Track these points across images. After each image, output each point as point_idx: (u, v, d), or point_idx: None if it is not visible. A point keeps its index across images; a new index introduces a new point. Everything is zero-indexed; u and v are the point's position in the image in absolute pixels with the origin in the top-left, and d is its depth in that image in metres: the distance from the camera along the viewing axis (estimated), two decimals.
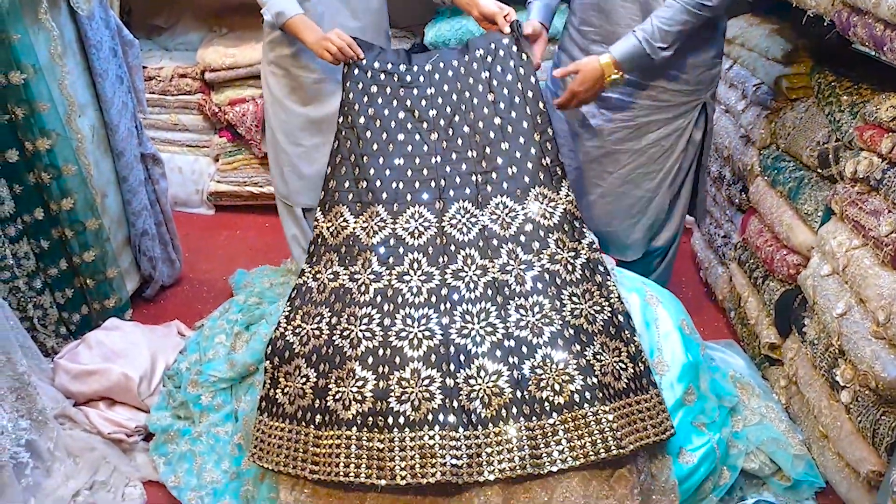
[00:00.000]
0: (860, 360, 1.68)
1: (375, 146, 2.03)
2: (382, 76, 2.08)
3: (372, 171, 2.00)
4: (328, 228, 1.99)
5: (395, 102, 2.06)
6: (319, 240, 1.99)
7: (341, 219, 1.98)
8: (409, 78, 2.08)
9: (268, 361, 1.85)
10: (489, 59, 2.05)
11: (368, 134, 2.03)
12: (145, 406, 2.15)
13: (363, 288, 1.87)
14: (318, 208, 2.02)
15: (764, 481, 1.95)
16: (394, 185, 1.99)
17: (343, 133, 2.06)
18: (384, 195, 1.98)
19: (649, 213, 2.26)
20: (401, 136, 2.03)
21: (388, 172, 2.00)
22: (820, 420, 1.93)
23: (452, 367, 1.71)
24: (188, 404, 2.09)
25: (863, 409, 1.72)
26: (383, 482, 1.63)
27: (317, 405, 1.75)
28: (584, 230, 1.93)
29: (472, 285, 1.85)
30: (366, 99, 2.06)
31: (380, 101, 2.06)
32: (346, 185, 2.01)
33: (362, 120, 2.04)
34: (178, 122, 3.46)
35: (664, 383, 1.86)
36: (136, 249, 2.66)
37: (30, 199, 2.21)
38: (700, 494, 1.84)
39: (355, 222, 1.97)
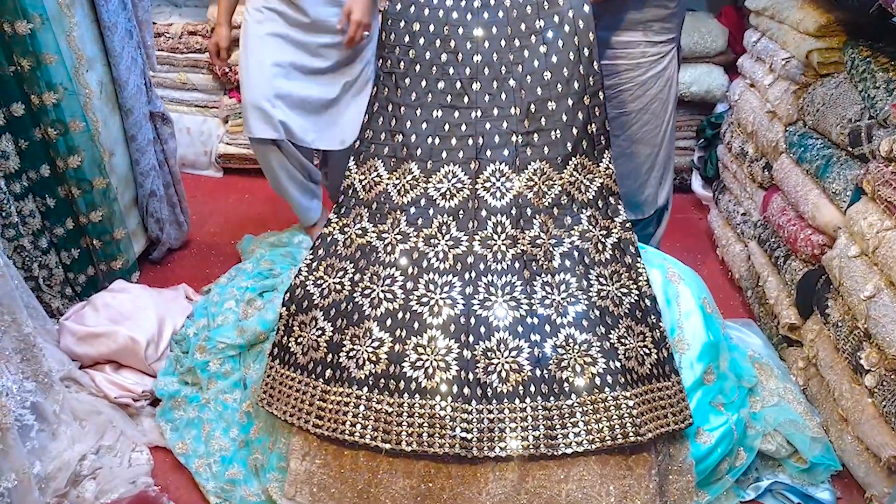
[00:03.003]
0: (889, 343, 1.64)
1: (414, 95, 1.93)
2: (426, 11, 1.95)
3: (409, 124, 1.92)
4: (361, 182, 1.92)
5: (437, 43, 1.94)
6: (350, 191, 1.93)
7: (375, 173, 1.92)
8: (455, 14, 1.94)
9: (284, 308, 1.82)
10: (546, 5, 1.91)
11: (407, 81, 1.93)
12: (152, 370, 2.11)
13: (389, 248, 1.82)
14: (352, 158, 1.95)
15: (780, 463, 1.92)
16: (429, 140, 1.90)
17: (381, 79, 1.96)
18: (419, 151, 1.90)
19: (657, 166, 2.26)
20: (441, 85, 1.93)
21: (424, 126, 1.92)
22: (840, 403, 1.89)
23: (471, 338, 1.67)
24: (196, 370, 2.05)
25: (888, 394, 1.68)
26: (387, 446, 1.61)
27: (329, 360, 1.72)
28: (619, 207, 1.86)
29: (499, 255, 1.80)
30: (407, 39, 1.95)
31: (421, 41, 1.94)
32: (382, 137, 1.93)
33: (402, 66, 1.94)
34: (187, 81, 3.38)
35: (684, 362, 1.83)
36: (144, 210, 2.61)
37: (36, 156, 2.15)
38: (716, 475, 1.82)
39: (388, 178, 1.90)
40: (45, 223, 2.24)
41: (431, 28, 1.94)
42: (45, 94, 2.07)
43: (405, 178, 1.88)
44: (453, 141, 1.89)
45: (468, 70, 1.92)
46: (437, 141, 1.90)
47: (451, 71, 1.93)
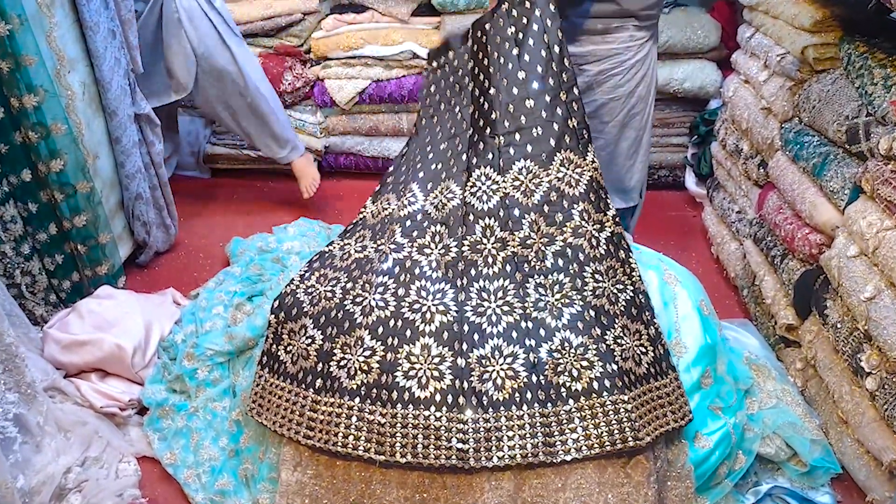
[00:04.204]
0: (890, 346, 1.62)
1: (428, 137, 2.03)
2: (446, 68, 2.08)
3: (418, 158, 1.99)
4: (372, 213, 1.98)
5: (448, 92, 2.04)
6: (360, 221, 1.99)
7: (385, 202, 1.97)
8: (457, 62, 2.04)
9: (272, 315, 1.79)
10: (514, 11, 1.91)
11: (426, 128, 2.05)
12: (139, 378, 2.07)
13: (383, 257, 1.80)
14: (371, 197, 2.03)
15: (779, 466, 1.89)
16: (433, 166, 1.95)
17: (411, 138, 2.10)
18: (421, 174, 1.95)
19: (642, 150, 2.27)
20: (448, 123, 2.00)
21: (431, 156, 1.98)
22: (840, 405, 1.87)
23: (465, 346, 1.64)
24: (184, 378, 2.01)
25: (889, 397, 1.65)
26: (381, 458, 1.58)
27: (319, 369, 1.69)
28: (609, 201, 1.83)
29: (490, 259, 1.77)
30: (428, 101, 2.10)
31: (437, 97, 2.08)
32: (400, 178, 2.02)
33: (423, 120, 2.08)
34: None
35: (681, 365, 1.80)
36: (130, 214, 2.56)
37: (16, 160, 2.10)
38: (715, 479, 1.79)
39: (397, 203, 1.94)
40: (28, 229, 2.19)
41: (451, 79, 2.05)
42: (25, 97, 2.02)
43: (405, 196, 1.92)
44: (452, 161, 1.93)
45: (465, 99, 1.97)
46: (439, 165, 1.95)
47: (456, 108, 2.00)
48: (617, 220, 1.83)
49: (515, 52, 1.88)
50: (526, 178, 1.82)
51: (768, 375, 2.06)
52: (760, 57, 2.52)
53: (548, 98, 1.84)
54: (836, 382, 1.89)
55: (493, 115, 1.87)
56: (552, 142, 1.83)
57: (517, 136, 1.85)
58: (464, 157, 1.89)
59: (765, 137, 2.42)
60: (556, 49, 1.86)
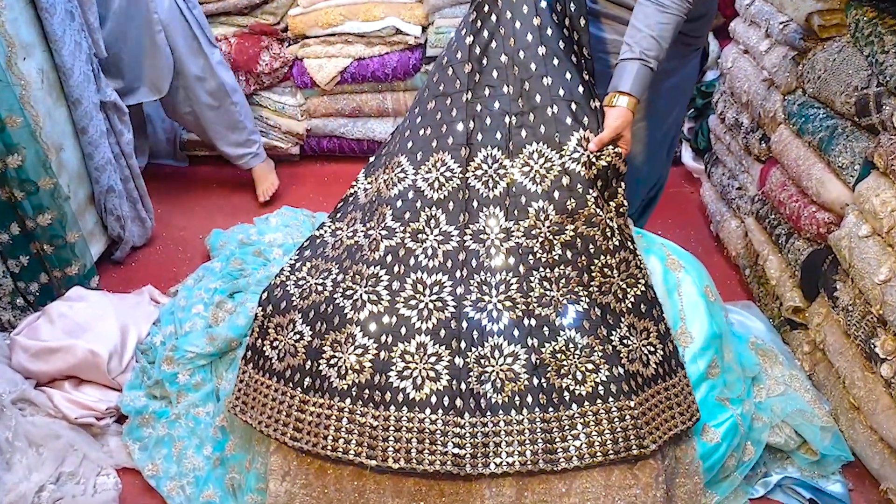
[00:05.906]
0: None
1: (417, 97, 1.85)
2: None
3: (406, 123, 1.82)
4: (364, 189, 1.83)
5: (446, 58, 1.82)
6: (351, 198, 1.85)
7: (375, 178, 1.83)
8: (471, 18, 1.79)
9: (259, 308, 1.69)
10: None
11: (418, 92, 1.90)
12: (116, 384, 1.96)
13: (374, 245, 1.67)
14: (363, 171, 1.88)
15: (788, 455, 1.83)
16: (421, 132, 1.76)
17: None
18: (409, 144, 1.77)
19: (651, 175, 2.11)
20: (435, 77, 1.79)
21: (418, 120, 1.78)
22: (851, 391, 1.80)
23: (463, 344, 1.54)
24: (164, 383, 1.90)
25: None
26: (373, 463, 1.49)
27: (308, 367, 1.59)
28: (619, 189, 1.70)
29: (493, 251, 1.65)
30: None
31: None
32: (391, 149, 1.85)
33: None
34: None
35: (687, 355, 1.73)
36: (102, 208, 2.43)
37: None
38: (724, 472, 1.73)
39: (385, 178, 1.78)
40: None
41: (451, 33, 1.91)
42: None
43: (394, 171, 1.76)
44: (444, 128, 1.74)
45: (459, 54, 1.76)
46: (428, 131, 1.76)
47: (444, 61, 1.79)
48: (621, 210, 1.72)
49: (536, 21, 1.70)
50: (537, 162, 1.68)
51: (775, 360, 1.98)
52: (761, 25, 2.41)
53: (569, 76, 1.70)
54: (848, 367, 1.81)
55: (505, 90, 1.72)
56: (569, 120, 1.68)
57: (531, 117, 1.70)
58: (459, 126, 1.72)
59: (767, 110, 2.31)
60: (576, 36, 1.70)
